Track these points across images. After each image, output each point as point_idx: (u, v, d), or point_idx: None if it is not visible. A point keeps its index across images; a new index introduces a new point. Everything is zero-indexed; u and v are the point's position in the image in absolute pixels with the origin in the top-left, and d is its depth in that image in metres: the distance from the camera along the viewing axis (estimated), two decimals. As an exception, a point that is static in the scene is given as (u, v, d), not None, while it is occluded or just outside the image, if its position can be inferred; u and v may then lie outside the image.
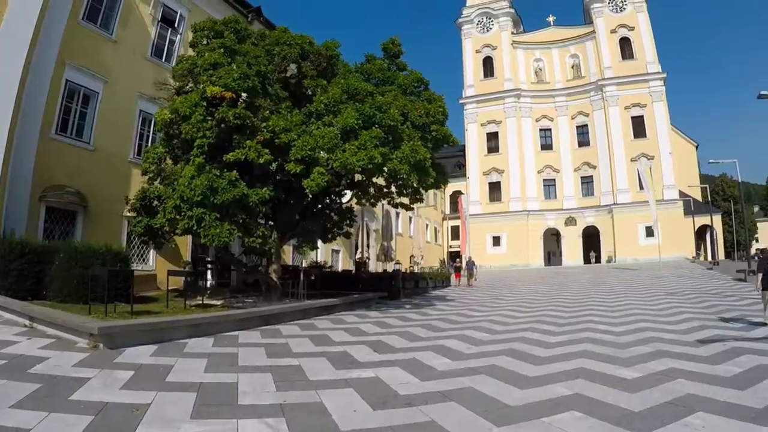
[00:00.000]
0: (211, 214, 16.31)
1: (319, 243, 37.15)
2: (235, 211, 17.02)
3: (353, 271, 35.19)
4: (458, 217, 58.78)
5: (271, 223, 21.52)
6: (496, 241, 71.59)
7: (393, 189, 23.15)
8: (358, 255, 40.70)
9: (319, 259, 36.98)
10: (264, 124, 18.49)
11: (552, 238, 73.21)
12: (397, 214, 54.18)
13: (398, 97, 20.18)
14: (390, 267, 46.28)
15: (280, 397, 7.72)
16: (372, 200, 24.58)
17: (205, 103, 17.60)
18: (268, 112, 19.03)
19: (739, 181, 38.82)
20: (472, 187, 74.23)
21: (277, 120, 18.42)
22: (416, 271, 43.58)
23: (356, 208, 25.96)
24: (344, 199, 25.02)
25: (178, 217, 16.65)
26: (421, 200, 24.04)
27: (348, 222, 25.03)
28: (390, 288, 28.44)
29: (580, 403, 7.52)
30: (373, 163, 17.30)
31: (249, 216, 17.72)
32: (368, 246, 43.57)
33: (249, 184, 17.72)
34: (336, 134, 17.96)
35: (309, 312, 19.43)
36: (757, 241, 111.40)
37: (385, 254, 36.33)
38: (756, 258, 17.47)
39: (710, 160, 39.95)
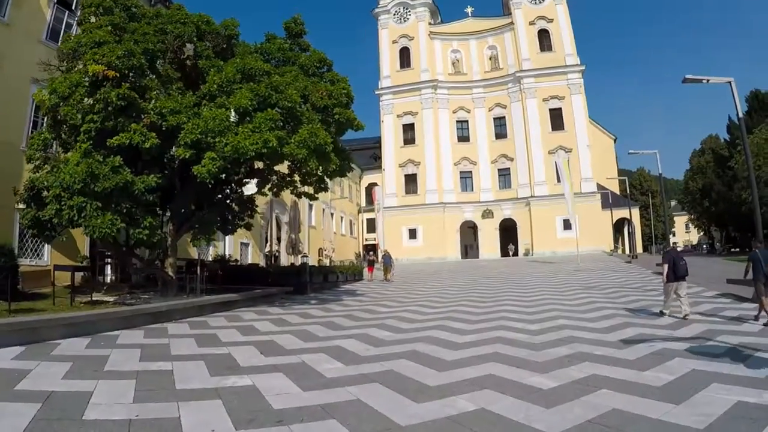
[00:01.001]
0: (92, 203, 14.79)
1: (227, 236, 35.71)
2: (120, 200, 15.45)
3: (260, 265, 33.52)
4: (374, 210, 57.69)
5: (168, 213, 20.24)
6: (413, 234, 70.73)
7: (296, 177, 21.66)
8: (268, 248, 38.90)
9: (226, 253, 35.28)
10: (151, 105, 17.03)
11: (469, 230, 72.71)
12: (310, 206, 52.60)
13: (299, 77, 18.89)
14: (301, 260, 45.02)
15: (133, 411, 6.62)
16: (275, 190, 22.99)
17: (87, 84, 16.01)
18: (155, 93, 17.45)
19: (660, 172, 38.54)
20: (388, 179, 73.21)
21: (165, 101, 16.94)
22: (326, 264, 42.12)
23: (266, 199, 24.48)
24: (248, 189, 23.41)
25: (58, 206, 15.09)
26: (325, 189, 22.79)
27: (249, 213, 23.52)
28: (296, 283, 26.97)
29: (484, 422, 6.33)
30: (267, 147, 15.92)
31: (136, 205, 16.09)
32: (279, 239, 41.81)
33: (138, 172, 16.42)
34: (228, 116, 16.54)
35: (205, 308, 18.12)
36: (673, 234, 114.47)
37: (293, 247, 34.58)
38: (661, 252, 17.85)
39: (630, 151, 39.58)
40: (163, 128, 16.74)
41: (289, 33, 21.57)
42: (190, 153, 16.35)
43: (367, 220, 72.30)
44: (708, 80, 20.07)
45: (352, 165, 69.92)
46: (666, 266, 15.72)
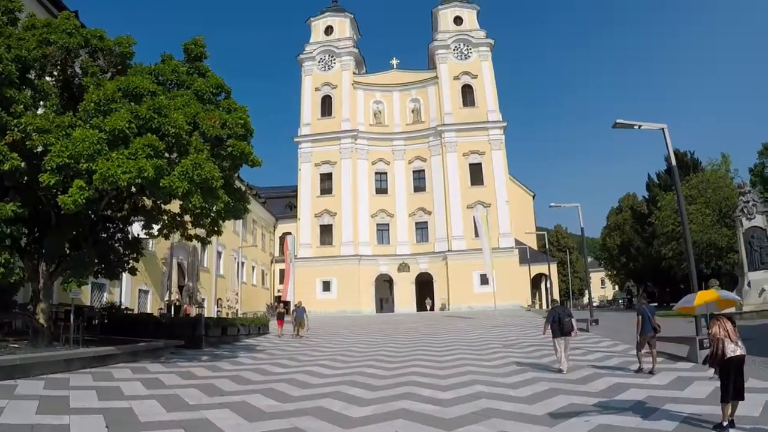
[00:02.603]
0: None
1: (123, 282, 32.88)
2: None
3: (155, 315, 30.77)
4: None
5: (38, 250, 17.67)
6: (326, 286, 67.72)
7: (187, 218, 19.39)
8: (174, 296, 36.07)
9: (122, 300, 32.42)
10: (16, 121, 14.59)
11: (385, 284, 70.64)
12: (219, 253, 50.12)
13: (191, 103, 16.84)
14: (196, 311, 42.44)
15: None
16: (165, 231, 20.58)
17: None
18: (22, 107, 14.98)
19: (581, 226, 37.49)
20: (303, 229, 70.25)
21: (32, 118, 14.58)
22: (227, 316, 39.50)
23: (167, 243, 22.09)
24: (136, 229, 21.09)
25: None
26: (218, 233, 20.46)
27: (135, 256, 20.99)
28: (190, 336, 24.42)
29: None
30: (142, 177, 13.84)
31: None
32: (181, 288, 39.13)
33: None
34: (100, 138, 14.22)
35: (73, 363, 15.72)
36: (589, 291, 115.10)
37: (190, 296, 31.97)
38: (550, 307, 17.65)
39: (551, 204, 38.59)
40: (29, 149, 14.50)
41: (188, 55, 19.40)
42: (56, 180, 14.16)
43: (280, 270, 68.78)
44: (640, 126, 19.00)
45: (268, 211, 69.14)
46: (548, 323, 16.27)
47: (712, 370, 9.03)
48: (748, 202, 33.94)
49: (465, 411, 10.37)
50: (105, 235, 19.88)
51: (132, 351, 19.01)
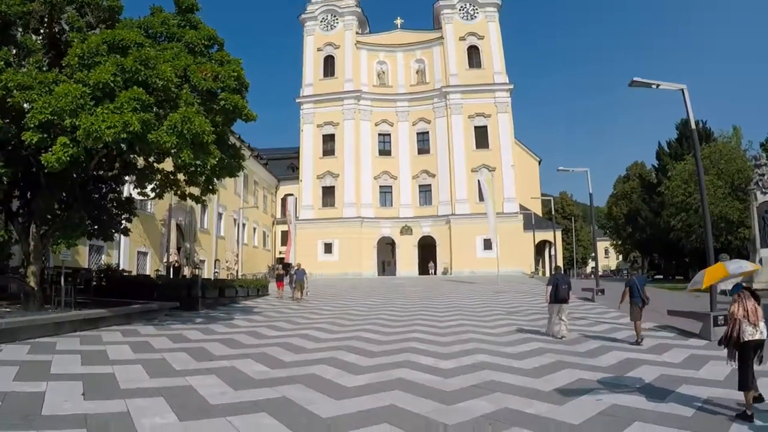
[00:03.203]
0: None
1: (123, 244, 32.35)
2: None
3: (153, 276, 30.19)
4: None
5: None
6: (328, 248, 67.29)
7: (181, 177, 18.70)
8: (172, 258, 35.41)
9: (121, 262, 31.88)
10: (-5, 78, 13.85)
11: (387, 247, 70.16)
12: (220, 215, 49.50)
13: (181, 55, 16.02)
14: (210, 272, 41.84)
15: None
16: (158, 191, 19.84)
17: None
18: (3, 63, 14.26)
19: (590, 191, 36.65)
20: (305, 190, 69.65)
21: (12, 74, 13.81)
22: (228, 277, 38.87)
23: (165, 204, 21.44)
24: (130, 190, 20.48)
25: None
26: (213, 191, 19.70)
27: (128, 216, 20.34)
28: (186, 297, 23.97)
29: None
30: (128, 131, 13.15)
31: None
32: (179, 249, 38.54)
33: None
34: (84, 92, 13.51)
35: (63, 327, 15.23)
36: (593, 259, 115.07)
37: (187, 257, 31.33)
38: (551, 273, 17.40)
39: (559, 168, 37.73)
40: (9, 106, 13.82)
41: (178, 7, 18.37)
42: (38, 137, 13.48)
43: (282, 232, 68.40)
44: (658, 85, 17.99)
45: (270, 172, 68.25)
46: (549, 288, 16.48)
47: (729, 354, 8.29)
48: (763, 175, 32.34)
49: (467, 383, 9.81)
50: (97, 196, 19.27)
51: (125, 313, 18.57)
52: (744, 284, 8.69)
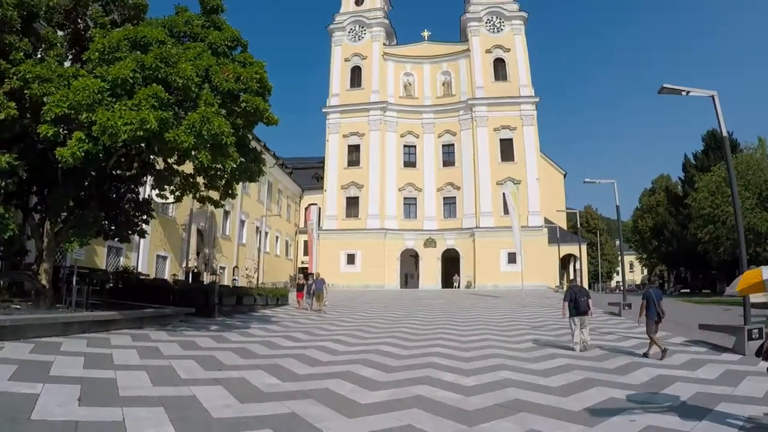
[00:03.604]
0: None
1: (142, 246, 32.00)
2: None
3: (172, 281, 29.74)
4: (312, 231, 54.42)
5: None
6: (351, 259, 66.87)
7: (200, 180, 18.24)
8: (192, 263, 35.03)
9: (139, 265, 31.50)
10: (14, 69, 13.60)
11: (410, 259, 69.45)
12: (242, 222, 49.00)
13: (203, 55, 15.53)
14: (228, 279, 41.37)
15: None
16: (177, 193, 19.35)
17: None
18: (23, 54, 13.91)
19: (617, 203, 35.92)
20: (329, 200, 69.27)
21: (32, 66, 13.48)
22: (248, 285, 38.40)
23: (186, 209, 21.00)
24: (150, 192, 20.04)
25: None
26: (233, 195, 19.32)
27: (145, 218, 19.89)
28: (203, 304, 23.48)
29: None
30: (145, 129, 12.65)
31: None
32: (198, 254, 38.17)
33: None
34: (102, 87, 13.10)
35: (71, 327, 14.76)
36: (617, 273, 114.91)
37: (206, 263, 30.88)
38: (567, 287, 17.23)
39: (586, 179, 37.15)
40: (27, 98, 13.51)
41: (203, 8, 17.93)
42: (54, 131, 13.14)
43: (305, 241, 67.49)
44: (688, 92, 17.40)
45: (294, 181, 67.90)
46: (566, 303, 16.57)
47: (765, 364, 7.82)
48: None
49: (490, 401, 9.16)
50: (114, 195, 18.85)
51: (137, 317, 18.03)
52: None
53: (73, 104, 12.63)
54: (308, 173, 74.27)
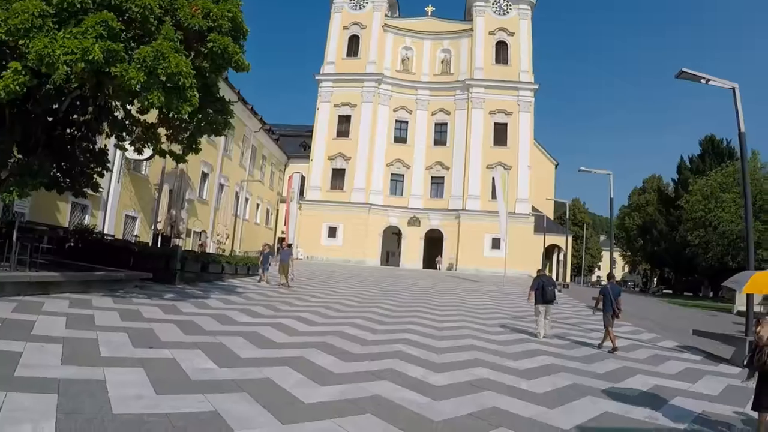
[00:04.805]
0: None
1: (110, 204, 30.19)
2: None
3: (137, 243, 28.00)
4: (294, 199, 52.64)
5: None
6: (332, 232, 65.34)
7: (163, 132, 16.58)
8: (161, 225, 32.92)
9: (106, 224, 29.67)
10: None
11: (393, 237, 68.29)
12: (221, 185, 47.09)
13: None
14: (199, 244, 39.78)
15: None
16: (138, 144, 17.58)
17: None
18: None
19: (611, 196, 34.72)
20: (315, 170, 67.70)
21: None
22: (215, 251, 36.67)
23: (158, 166, 19.21)
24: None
25: None
26: (195, 150, 17.36)
27: (99, 170, 18.15)
28: (163, 269, 21.87)
29: None
30: (87, 60, 10.88)
31: None
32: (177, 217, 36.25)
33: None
34: (44, 10, 11.27)
35: (4, 288, 13.12)
36: (599, 268, 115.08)
37: (172, 226, 29.08)
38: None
39: (581, 168, 35.86)
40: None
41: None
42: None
43: (287, 211, 66.62)
44: (708, 81, 16.00)
45: (280, 149, 65.90)
46: (533, 291, 16.94)
47: (749, 374, 7.77)
48: None
49: (461, 409, 7.66)
50: (67, 144, 17.05)
51: (84, 280, 16.35)
52: None
53: (11, 29, 10.96)
54: (296, 141, 72.69)
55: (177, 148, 17.44)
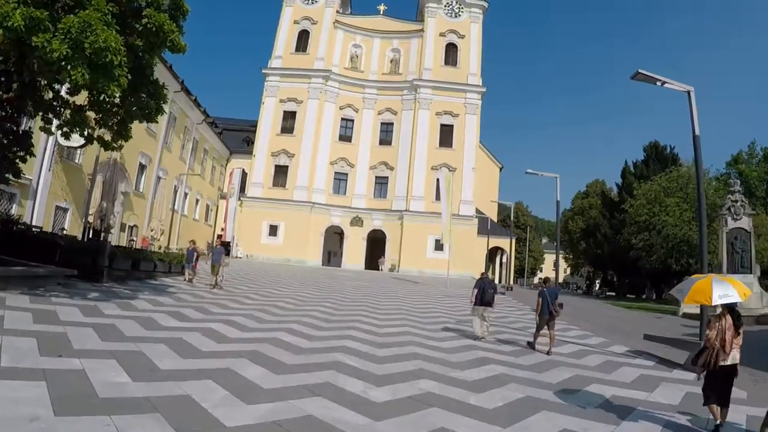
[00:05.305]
0: None
1: (40, 194, 28.52)
2: None
3: (64, 236, 26.38)
4: (237, 196, 51.18)
5: None
6: (273, 230, 64.19)
7: (92, 116, 15.33)
8: (91, 219, 31.01)
9: (34, 216, 27.96)
10: None
11: (335, 236, 67.48)
12: (159, 178, 45.27)
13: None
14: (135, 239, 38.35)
15: None
16: (66, 129, 16.24)
17: None
18: None
19: (558, 199, 34.49)
20: (257, 167, 66.36)
21: None
22: (149, 248, 35.18)
23: (91, 155, 17.76)
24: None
25: None
26: (125, 137, 16.16)
27: (23, 154, 16.77)
28: (90, 265, 20.55)
29: None
30: (6, 26, 9.78)
31: None
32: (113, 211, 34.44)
33: None
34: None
35: None
36: (541, 270, 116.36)
37: (102, 219, 27.56)
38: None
39: (528, 170, 35.56)
40: None
41: None
42: None
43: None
44: (664, 83, 15.68)
45: (223, 143, 64.16)
46: (475, 291, 16.85)
47: (698, 372, 8.20)
48: (736, 201, 31.74)
49: (405, 426, 6.88)
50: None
51: (0, 276, 14.96)
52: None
53: None
54: (239, 136, 71.48)
55: (107, 135, 16.22)
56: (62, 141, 17.86)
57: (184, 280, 26.35)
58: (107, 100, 13.84)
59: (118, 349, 9.53)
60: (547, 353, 14.70)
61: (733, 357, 7.89)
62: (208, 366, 9.12)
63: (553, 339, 15.26)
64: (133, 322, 12.59)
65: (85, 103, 15.28)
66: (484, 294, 16.53)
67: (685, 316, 30.43)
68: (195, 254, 26.46)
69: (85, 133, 15.85)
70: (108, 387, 7.14)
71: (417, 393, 8.88)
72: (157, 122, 19.37)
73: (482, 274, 18.24)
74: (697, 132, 15.95)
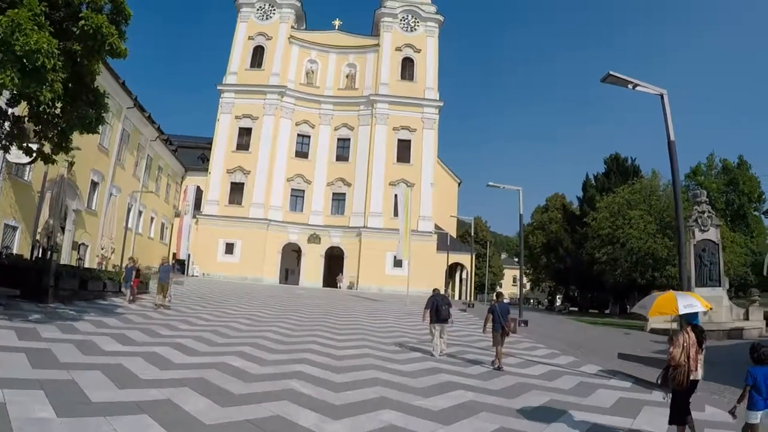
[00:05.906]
0: None
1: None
2: None
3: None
4: (193, 214, 49.92)
5: None
6: (230, 248, 63.18)
7: (31, 127, 14.37)
8: (39, 237, 29.82)
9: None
10: None
11: (293, 254, 66.57)
12: (112, 195, 43.92)
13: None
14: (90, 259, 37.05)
15: None
16: (5, 142, 15.21)
17: None
18: None
19: (521, 212, 34.05)
20: (213, 184, 65.30)
21: None
22: (105, 267, 34.00)
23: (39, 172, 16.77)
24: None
25: None
26: (66, 149, 15.16)
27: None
28: (34, 284, 19.59)
29: None
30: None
31: None
32: (63, 228, 33.13)
33: None
34: None
35: None
36: (500, 286, 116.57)
37: (48, 237, 26.43)
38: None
39: (489, 183, 35.16)
40: None
41: None
42: None
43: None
44: (636, 86, 15.07)
45: (178, 160, 62.82)
46: (427, 310, 17.09)
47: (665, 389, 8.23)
48: (703, 212, 31.63)
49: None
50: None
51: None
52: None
53: None
54: (194, 153, 70.30)
55: (47, 147, 15.22)
56: (9, 157, 16.78)
57: (126, 301, 24.89)
58: (47, 110, 12.87)
59: (47, 377, 8.67)
60: (498, 368, 14.67)
61: (699, 372, 7.97)
62: (146, 397, 8.27)
63: (500, 354, 15.12)
64: (71, 347, 11.72)
65: (24, 114, 14.31)
66: (439, 311, 16.60)
67: (653, 331, 29.99)
68: (134, 272, 25.37)
69: (24, 145, 14.85)
70: (27, 425, 6.29)
71: (378, 427, 8.11)
72: (98, 133, 18.24)
73: (434, 290, 18.32)
74: (672, 137, 15.45)
